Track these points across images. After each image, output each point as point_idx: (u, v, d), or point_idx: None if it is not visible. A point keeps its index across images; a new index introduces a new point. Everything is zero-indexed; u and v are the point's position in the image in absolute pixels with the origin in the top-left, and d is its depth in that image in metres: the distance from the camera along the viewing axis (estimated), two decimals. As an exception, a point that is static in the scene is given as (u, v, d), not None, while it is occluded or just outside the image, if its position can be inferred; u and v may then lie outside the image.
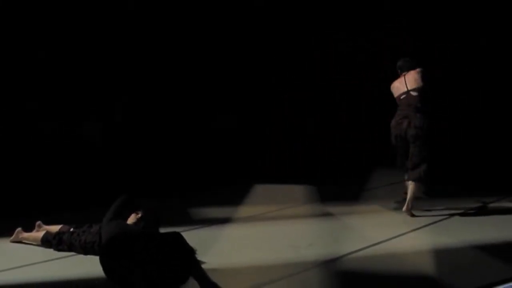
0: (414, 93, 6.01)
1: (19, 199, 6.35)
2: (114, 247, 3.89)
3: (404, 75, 6.17)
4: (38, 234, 4.97)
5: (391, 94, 6.39)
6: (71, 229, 4.81)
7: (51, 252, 4.74)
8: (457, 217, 5.91)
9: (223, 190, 7.42)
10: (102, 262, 3.86)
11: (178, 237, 3.83)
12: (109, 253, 3.90)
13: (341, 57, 9.49)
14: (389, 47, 8.89)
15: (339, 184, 7.77)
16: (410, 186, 5.91)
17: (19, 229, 5.05)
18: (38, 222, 5.10)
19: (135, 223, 4.33)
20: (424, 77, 6.08)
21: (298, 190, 7.20)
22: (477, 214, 6.06)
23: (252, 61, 9.28)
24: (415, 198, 5.97)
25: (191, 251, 3.79)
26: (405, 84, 6.10)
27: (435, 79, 7.38)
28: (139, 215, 4.42)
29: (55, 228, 4.94)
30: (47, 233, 4.89)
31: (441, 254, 4.62)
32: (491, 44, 9.09)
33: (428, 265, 4.35)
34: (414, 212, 5.96)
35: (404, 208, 5.92)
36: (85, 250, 4.60)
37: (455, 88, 9.06)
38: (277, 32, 9.35)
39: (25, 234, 5.03)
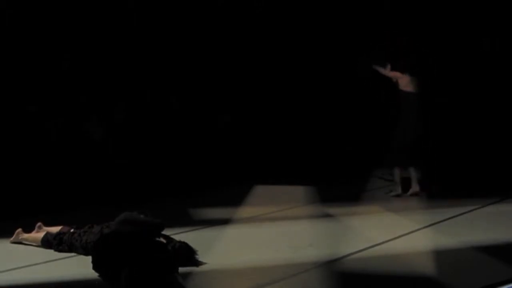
0: (413, 96, 6.75)
1: (19, 200, 6.34)
2: (107, 243, 4.05)
3: (404, 78, 6.79)
4: (38, 234, 4.95)
5: (392, 95, 6.83)
6: (72, 230, 4.80)
7: (51, 253, 4.73)
8: (457, 218, 5.91)
9: (224, 191, 7.42)
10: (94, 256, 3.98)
11: (166, 246, 3.94)
12: (101, 248, 4.05)
13: (343, 57, 9.50)
14: (389, 48, 8.89)
15: (339, 185, 7.78)
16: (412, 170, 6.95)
17: (19, 229, 5.04)
18: (39, 224, 5.07)
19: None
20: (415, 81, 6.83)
21: (298, 191, 7.21)
22: (478, 215, 6.06)
23: (252, 61, 9.28)
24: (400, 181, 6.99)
25: (175, 266, 3.89)
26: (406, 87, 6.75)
27: (434, 80, 7.56)
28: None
29: (55, 229, 4.93)
30: (48, 233, 4.87)
31: (441, 255, 4.61)
32: (492, 44, 9.10)
33: (429, 266, 4.34)
34: (414, 213, 6.11)
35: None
36: (85, 250, 4.56)
37: (455, 88, 9.06)
38: (277, 32, 9.36)
39: (25, 235, 5.01)
